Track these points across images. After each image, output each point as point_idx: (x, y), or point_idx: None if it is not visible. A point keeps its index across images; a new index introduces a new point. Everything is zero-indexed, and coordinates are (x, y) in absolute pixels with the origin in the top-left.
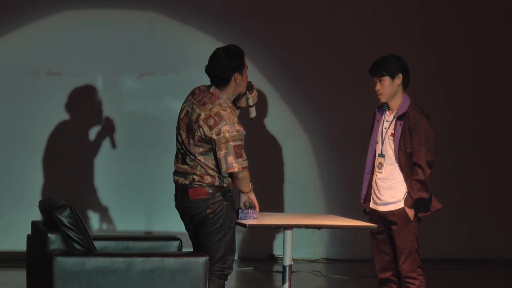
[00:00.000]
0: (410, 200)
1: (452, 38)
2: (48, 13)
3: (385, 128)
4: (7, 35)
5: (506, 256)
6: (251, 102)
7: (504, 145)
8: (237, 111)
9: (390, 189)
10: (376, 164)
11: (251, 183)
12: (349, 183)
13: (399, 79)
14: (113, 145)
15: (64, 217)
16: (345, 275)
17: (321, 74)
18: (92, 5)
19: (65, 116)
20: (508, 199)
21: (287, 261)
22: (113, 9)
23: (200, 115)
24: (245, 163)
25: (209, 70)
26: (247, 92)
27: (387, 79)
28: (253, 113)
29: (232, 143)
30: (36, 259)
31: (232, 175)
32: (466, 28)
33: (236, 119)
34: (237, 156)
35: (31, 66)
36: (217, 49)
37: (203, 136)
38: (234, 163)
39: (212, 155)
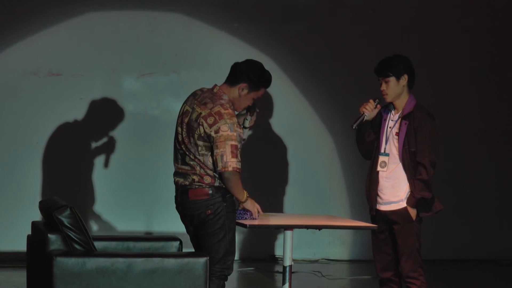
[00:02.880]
0: (413, 200)
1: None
2: (48, 14)
3: (389, 127)
4: (7, 36)
5: (506, 256)
6: (247, 124)
7: (505, 146)
8: None
9: (393, 188)
10: (379, 163)
11: (246, 192)
12: (350, 183)
13: (404, 80)
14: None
15: (64, 218)
16: (345, 276)
17: (323, 75)
18: (92, 5)
19: (65, 116)
20: (508, 200)
21: (288, 262)
22: (113, 9)
23: (200, 113)
24: (239, 165)
25: (236, 63)
26: (248, 113)
27: (392, 80)
28: (245, 134)
29: (229, 142)
30: (36, 260)
31: (222, 175)
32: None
33: (236, 120)
34: (233, 156)
35: (31, 66)
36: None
37: (203, 134)
38: (229, 162)
39: (211, 155)
